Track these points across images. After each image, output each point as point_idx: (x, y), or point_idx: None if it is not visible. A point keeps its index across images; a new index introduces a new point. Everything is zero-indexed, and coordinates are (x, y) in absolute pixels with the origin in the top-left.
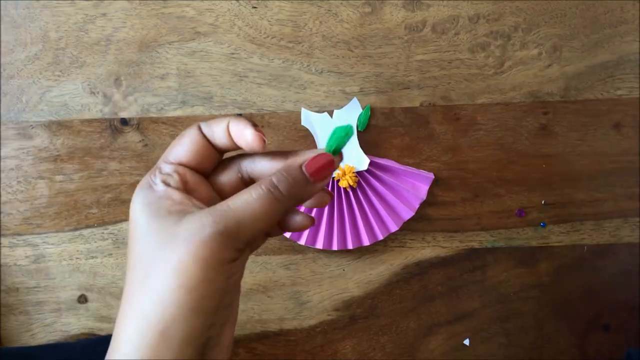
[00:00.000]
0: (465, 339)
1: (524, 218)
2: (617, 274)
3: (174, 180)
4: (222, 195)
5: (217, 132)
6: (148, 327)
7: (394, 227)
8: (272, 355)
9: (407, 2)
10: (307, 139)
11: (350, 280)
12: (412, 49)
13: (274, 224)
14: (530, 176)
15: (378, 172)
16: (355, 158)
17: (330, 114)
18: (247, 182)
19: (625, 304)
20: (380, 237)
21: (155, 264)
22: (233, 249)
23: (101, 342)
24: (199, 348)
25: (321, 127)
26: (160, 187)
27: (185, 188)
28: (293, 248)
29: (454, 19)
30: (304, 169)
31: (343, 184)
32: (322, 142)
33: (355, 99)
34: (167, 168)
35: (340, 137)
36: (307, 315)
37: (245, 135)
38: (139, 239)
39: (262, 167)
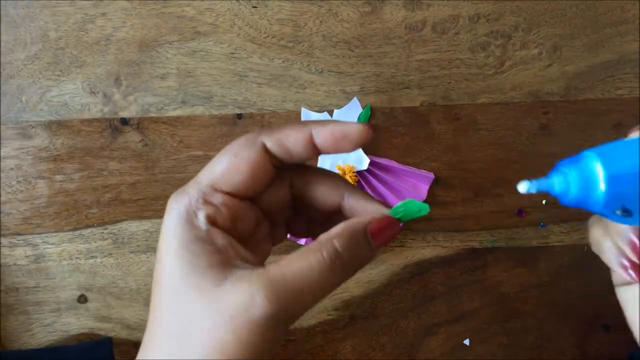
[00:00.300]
0: (465, 339)
1: (524, 218)
2: None
3: (222, 217)
4: (269, 214)
5: (295, 143)
6: None
7: None
8: None
9: (407, 1)
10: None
11: (350, 280)
12: (412, 49)
13: (329, 294)
14: (530, 176)
15: (378, 172)
16: (355, 158)
17: (331, 113)
18: (296, 198)
19: None
20: None
21: (191, 331)
22: (283, 328)
23: (97, 347)
24: None
25: None
26: (203, 224)
27: (233, 221)
28: (293, 248)
29: (454, 19)
30: (368, 234)
31: None
32: None
33: (355, 99)
34: (215, 198)
35: (411, 212)
36: (307, 315)
37: (350, 135)
38: (169, 292)
39: (317, 192)
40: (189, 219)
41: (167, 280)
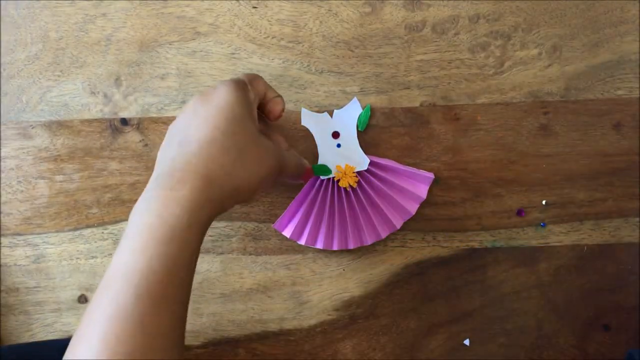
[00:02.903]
0: (465, 339)
1: (524, 218)
2: (617, 274)
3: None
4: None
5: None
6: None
7: (393, 227)
8: (272, 355)
9: (407, 2)
10: (307, 139)
11: (350, 280)
12: (412, 49)
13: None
14: (530, 176)
15: (378, 172)
16: (355, 158)
17: (331, 113)
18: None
19: (625, 304)
20: (382, 236)
21: (253, 144)
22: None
23: None
24: None
25: (321, 127)
26: (255, 107)
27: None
28: (293, 248)
29: (454, 19)
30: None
31: (343, 183)
32: (322, 141)
33: (355, 99)
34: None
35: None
36: (307, 315)
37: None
38: (244, 126)
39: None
40: (250, 104)
41: (245, 120)
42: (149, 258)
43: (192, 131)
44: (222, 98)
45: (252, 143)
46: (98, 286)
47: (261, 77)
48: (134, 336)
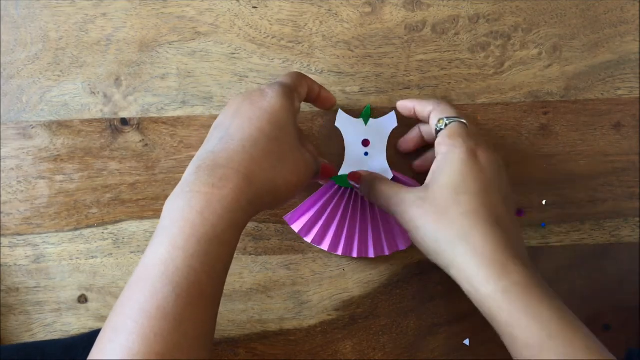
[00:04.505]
0: (465, 339)
1: (523, 218)
2: (617, 274)
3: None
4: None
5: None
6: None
7: (401, 246)
8: (272, 355)
9: (407, 2)
10: (307, 139)
11: (350, 280)
12: (412, 49)
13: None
14: (530, 176)
15: None
16: (379, 170)
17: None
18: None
19: (625, 304)
20: (386, 252)
21: (292, 153)
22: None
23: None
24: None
25: (353, 131)
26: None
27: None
28: (293, 248)
29: (454, 19)
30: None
31: None
32: (350, 146)
33: (392, 113)
34: (298, 103)
35: (342, 181)
36: (307, 315)
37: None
38: (287, 133)
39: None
40: (295, 112)
41: (288, 128)
42: (190, 256)
43: (234, 130)
44: (268, 102)
45: (293, 151)
46: (131, 278)
47: (305, 77)
48: (172, 334)
